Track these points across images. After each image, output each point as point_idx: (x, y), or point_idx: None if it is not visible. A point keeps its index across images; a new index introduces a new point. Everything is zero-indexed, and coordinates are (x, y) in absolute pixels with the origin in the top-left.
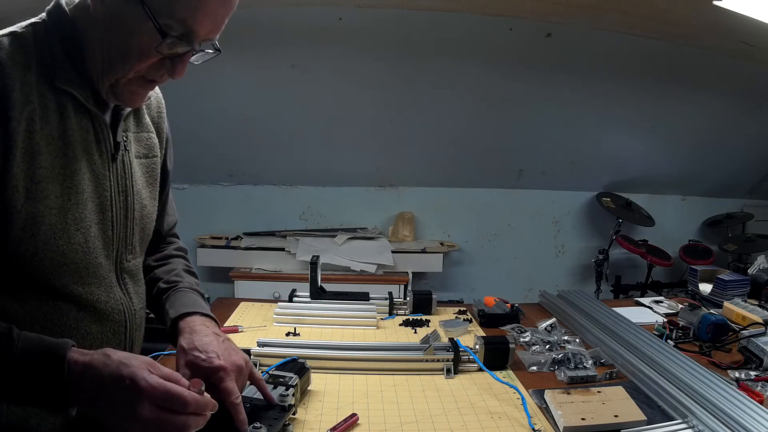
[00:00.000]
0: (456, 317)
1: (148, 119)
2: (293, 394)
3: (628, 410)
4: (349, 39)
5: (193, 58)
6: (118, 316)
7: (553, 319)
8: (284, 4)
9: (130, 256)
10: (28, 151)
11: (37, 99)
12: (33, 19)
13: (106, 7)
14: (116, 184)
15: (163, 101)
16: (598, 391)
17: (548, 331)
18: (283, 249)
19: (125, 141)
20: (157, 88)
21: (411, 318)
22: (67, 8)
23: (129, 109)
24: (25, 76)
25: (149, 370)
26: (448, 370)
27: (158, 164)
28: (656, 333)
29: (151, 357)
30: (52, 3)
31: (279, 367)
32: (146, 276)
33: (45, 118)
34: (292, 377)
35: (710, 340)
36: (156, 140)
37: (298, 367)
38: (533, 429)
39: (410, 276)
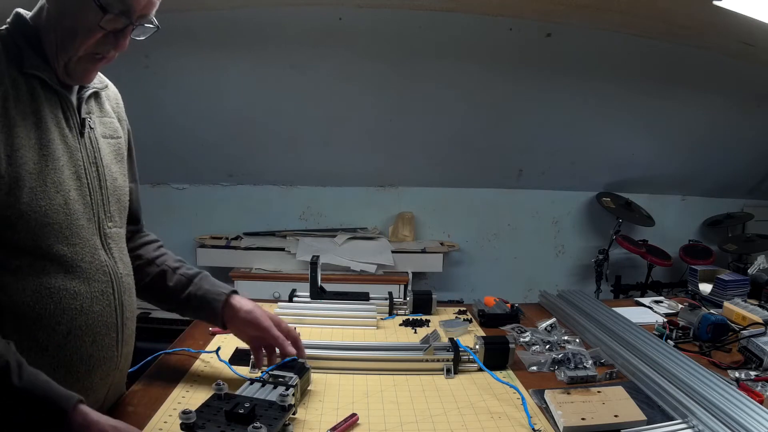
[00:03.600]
0: (456, 317)
1: (108, 107)
2: (293, 394)
3: (628, 410)
4: (349, 39)
5: (134, 34)
6: (104, 277)
7: (553, 319)
8: (284, 4)
9: (111, 224)
10: (6, 124)
11: (9, 82)
12: None
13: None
14: (86, 157)
15: (120, 96)
16: (598, 391)
17: (548, 331)
18: (283, 249)
19: (90, 121)
20: (113, 85)
21: (411, 318)
22: (26, 17)
23: (89, 92)
24: None
25: None
26: (448, 370)
27: (123, 145)
28: (656, 333)
29: (152, 357)
30: (12, 14)
31: (279, 367)
32: (149, 265)
33: (17, 97)
34: (292, 377)
35: (710, 340)
36: (118, 125)
37: (298, 367)
38: (533, 429)
39: (410, 276)
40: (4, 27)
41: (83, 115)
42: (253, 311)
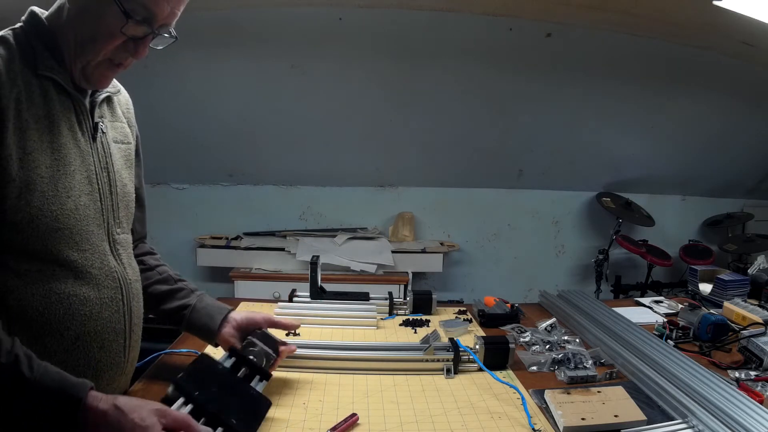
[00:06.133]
0: (456, 317)
1: (120, 111)
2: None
3: (628, 410)
4: (349, 39)
5: (153, 43)
6: (113, 283)
7: (553, 319)
8: (284, 4)
9: (119, 230)
10: (18, 126)
11: (23, 84)
12: (10, 28)
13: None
14: (98, 161)
15: (131, 102)
16: (598, 391)
17: (548, 331)
18: (283, 249)
19: (102, 125)
20: (125, 90)
21: (411, 318)
22: (41, 16)
23: (102, 97)
24: (10, 65)
25: (160, 421)
26: (448, 370)
27: (132, 151)
28: (656, 333)
29: (152, 357)
30: (27, 12)
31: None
32: (149, 270)
33: (31, 100)
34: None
35: (710, 340)
36: (128, 130)
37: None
38: (533, 429)
39: (410, 276)
40: (18, 25)
41: (96, 119)
42: (248, 313)
